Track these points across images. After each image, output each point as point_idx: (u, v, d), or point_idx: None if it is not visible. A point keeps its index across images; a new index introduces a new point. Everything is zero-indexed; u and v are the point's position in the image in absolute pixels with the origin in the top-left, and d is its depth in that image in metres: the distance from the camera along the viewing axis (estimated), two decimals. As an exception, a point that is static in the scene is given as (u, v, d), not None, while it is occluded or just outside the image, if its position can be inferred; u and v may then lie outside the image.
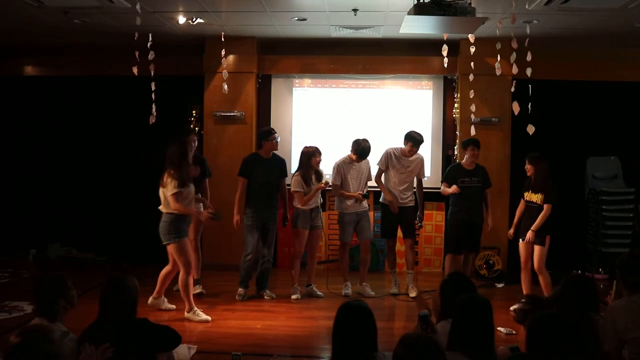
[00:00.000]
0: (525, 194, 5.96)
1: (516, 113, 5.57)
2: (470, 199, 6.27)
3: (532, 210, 5.85)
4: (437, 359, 2.36)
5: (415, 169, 6.52)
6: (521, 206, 6.05)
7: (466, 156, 6.34)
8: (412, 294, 6.39)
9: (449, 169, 6.61)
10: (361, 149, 6.33)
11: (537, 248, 5.79)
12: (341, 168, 6.38)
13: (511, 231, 6.17)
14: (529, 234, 5.76)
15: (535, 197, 5.85)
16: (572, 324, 2.82)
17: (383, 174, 6.55)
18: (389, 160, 6.48)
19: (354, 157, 6.40)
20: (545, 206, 5.75)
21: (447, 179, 6.44)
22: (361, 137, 6.40)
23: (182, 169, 5.27)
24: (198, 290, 6.14)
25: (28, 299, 5.84)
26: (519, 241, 5.97)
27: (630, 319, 3.17)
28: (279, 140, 6.31)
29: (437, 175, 7.72)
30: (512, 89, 5.80)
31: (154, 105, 5.72)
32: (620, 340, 3.17)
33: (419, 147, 6.49)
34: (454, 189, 6.24)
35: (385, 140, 6.60)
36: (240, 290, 6.20)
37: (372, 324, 2.73)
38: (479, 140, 6.38)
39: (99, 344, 2.89)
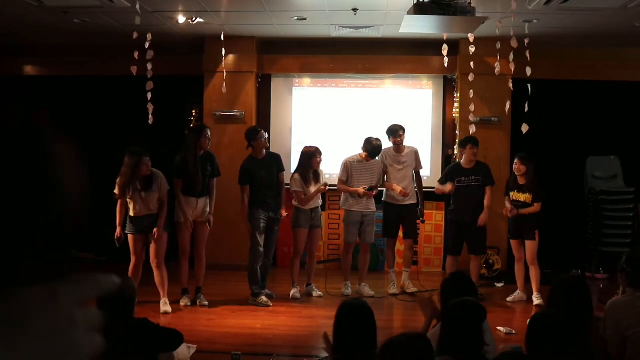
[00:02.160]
0: (512, 194, 6.16)
1: (507, 112, 5.62)
2: (467, 198, 6.22)
3: (524, 208, 6.08)
4: (424, 356, 2.36)
5: (411, 162, 6.52)
6: (509, 203, 6.24)
7: (464, 155, 6.34)
8: (410, 290, 6.47)
9: (448, 169, 6.62)
10: (372, 147, 6.31)
11: (528, 243, 6.07)
12: (349, 165, 6.37)
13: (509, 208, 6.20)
14: (511, 208, 6.08)
15: (523, 197, 6.07)
16: (569, 325, 2.83)
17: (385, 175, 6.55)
18: (384, 159, 6.49)
19: (363, 155, 6.38)
20: (538, 204, 6.02)
21: (444, 179, 6.46)
22: (374, 136, 6.38)
23: (127, 180, 5.49)
24: (205, 303, 5.94)
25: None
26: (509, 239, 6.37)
27: (633, 315, 3.17)
28: (266, 137, 6.27)
29: (436, 174, 7.71)
30: (511, 88, 5.81)
31: (150, 105, 5.72)
32: (623, 336, 3.17)
33: (398, 135, 6.40)
34: (449, 187, 6.26)
35: (385, 140, 6.59)
36: (263, 298, 6.00)
37: (372, 322, 2.75)
38: (477, 138, 6.37)
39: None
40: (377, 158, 6.44)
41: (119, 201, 5.63)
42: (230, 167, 6.96)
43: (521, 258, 6.20)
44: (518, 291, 6.29)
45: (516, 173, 6.11)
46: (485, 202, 6.24)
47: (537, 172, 6.11)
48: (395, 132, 6.42)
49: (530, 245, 6.07)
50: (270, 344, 4.82)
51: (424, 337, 2.46)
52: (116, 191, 5.60)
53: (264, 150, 6.13)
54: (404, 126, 6.50)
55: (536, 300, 6.04)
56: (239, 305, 5.93)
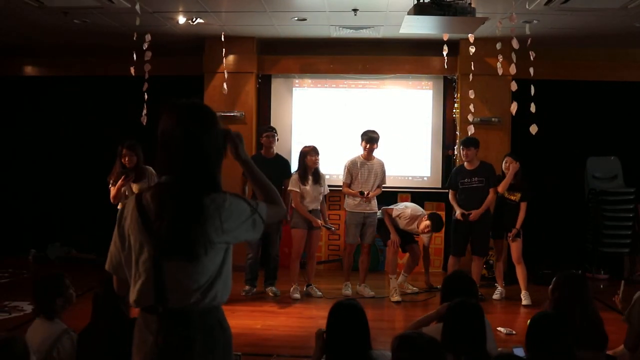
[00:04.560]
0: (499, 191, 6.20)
1: (513, 113, 5.62)
2: (469, 200, 6.22)
3: (510, 208, 6.15)
4: (438, 357, 2.37)
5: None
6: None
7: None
8: (409, 290, 6.57)
9: (452, 172, 6.58)
10: (369, 137, 6.30)
11: (514, 242, 6.13)
12: (351, 167, 6.36)
13: (459, 213, 6.23)
14: (513, 232, 6.10)
15: (513, 196, 6.13)
16: (571, 322, 2.83)
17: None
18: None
19: (364, 155, 6.36)
20: (523, 204, 6.09)
21: (449, 184, 6.48)
22: (370, 129, 6.40)
23: (116, 166, 5.62)
24: None
25: (28, 299, 5.84)
26: (487, 235, 6.34)
27: None
28: (275, 137, 6.37)
29: (436, 175, 7.73)
30: (513, 89, 5.79)
31: (145, 106, 5.72)
32: None
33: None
34: (457, 215, 6.27)
35: (385, 140, 6.59)
36: (246, 287, 6.32)
37: (364, 322, 2.75)
38: (475, 138, 6.34)
39: (95, 344, 2.89)
40: (376, 157, 6.42)
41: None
42: (230, 167, 6.95)
43: (501, 257, 6.31)
44: (499, 287, 6.37)
45: (506, 172, 6.12)
46: (485, 202, 6.18)
47: (525, 171, 6.18)
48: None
49: (516, 245, 6.12)
50: (270, 344, 4.82)
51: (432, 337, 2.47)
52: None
53: (274, 151, 6.37)
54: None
55: (525, 300, 6.08)
56: (239, 306, 5.92)
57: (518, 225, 6.08)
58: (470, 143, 6.26)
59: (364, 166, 6.36)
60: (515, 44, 5.39)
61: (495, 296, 6.32)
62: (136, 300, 1.95)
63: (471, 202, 6.20)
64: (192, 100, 2.07)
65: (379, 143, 6.42)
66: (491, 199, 6.21)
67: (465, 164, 6.32)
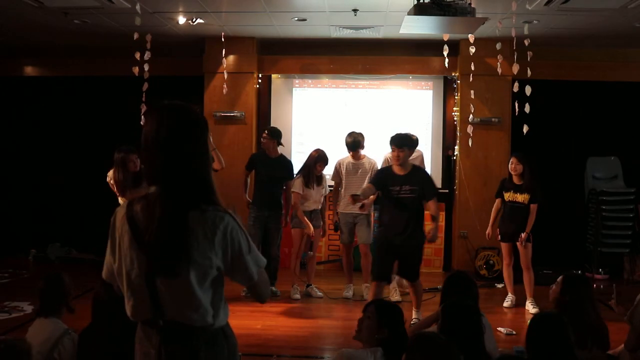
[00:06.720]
0: (507, 194, 5.86)
1: (517, 113, 5.62)
2: (397, 213, 5.00)
3: (518, 210, 5.77)
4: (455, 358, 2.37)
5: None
6: (497, 206, 6.02)
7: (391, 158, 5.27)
8: (409, 290, 6.49)
9: (378, 171, 5.58)
10: (351, 140, 6.24)
11: (526, 246, 5.77)
12: (338, 167, 6.33)
13: (489, 231, 6.03)
14: (523, 236, 5.71)
15: (521, 197, 5.77)
16: (577, 322, 2.84)
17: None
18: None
19: (352, 154, 6.32)
20: (532, 206, 5.71)
21: (375, 180, 5.25)
22: (356, 131, 6.33)
23: (121, 176, 5.37)
24: None
25: (28, 299, 5.85)
26: (498, 239, 6.00)
27: None
28: (269, 139, 6.36)
29: (436, 175, 7.72)
30: (515, 89, 5.79)
31: (143, 106, 5.72)
32: None
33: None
34: (365, 199, 5.23)
35: (385, 141, 6.55)
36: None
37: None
38: (410, 137, 5.39)
39: (96, 345, 2.89)
40: (367, 156, 6.33)
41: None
42: (230, 167, 6.96)
43: (511, 262, 5.93)
44: (510, 294, 6.03)
45: (512, 173, 5.80)
46: (435, 216, 5.12)
47: (535, 172, 5.86)
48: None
49: (526, 250, 5.77)
50: (270, 345, 4.82)
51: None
52: (116, 192, 5.61)
53: (279, 152, 6.35)
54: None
55: (531, 308, 5.75)
56: (239, 306, 5.91)
57: (527, 229, 5.68)
58: (403, 142, 5.02)
59: (353, 165, 6.29)
60: (514, 45, 5.40)
61: (506, 304, 6.00)
62: (132, 315, 1.90)
63: (399, 217, 5.00)
64: (175, 101, 1.93)
65: (377, 143, 6.39)
66: (436, 209, 5.12)
67: (394, 167, 5.09)
